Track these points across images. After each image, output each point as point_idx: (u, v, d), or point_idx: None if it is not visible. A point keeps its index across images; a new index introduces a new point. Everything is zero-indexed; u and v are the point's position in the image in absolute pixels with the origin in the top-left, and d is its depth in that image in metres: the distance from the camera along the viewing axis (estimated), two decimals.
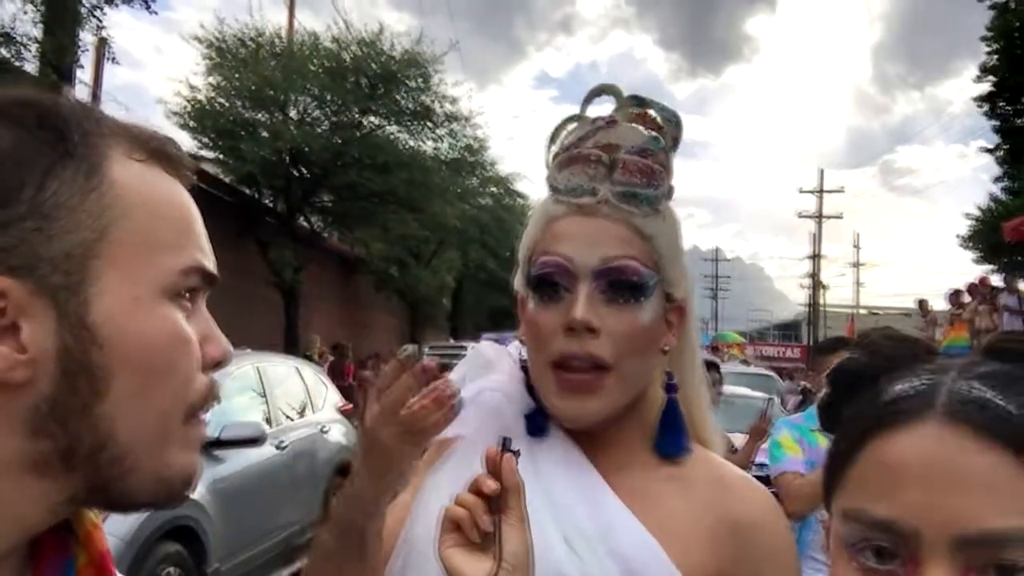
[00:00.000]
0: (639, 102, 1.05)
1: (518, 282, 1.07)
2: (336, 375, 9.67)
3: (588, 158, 1.00)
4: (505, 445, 0.83)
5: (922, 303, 16.03)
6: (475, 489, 0.82)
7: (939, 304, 15.86)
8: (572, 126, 1.06)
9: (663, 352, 1.03)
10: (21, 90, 0.63)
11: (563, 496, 0.96)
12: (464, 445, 1.06)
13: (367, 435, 0.95)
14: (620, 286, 0.97)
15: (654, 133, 1.03)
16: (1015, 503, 0.54)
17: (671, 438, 1.02)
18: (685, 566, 0.93)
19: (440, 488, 1.03)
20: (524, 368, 1.07)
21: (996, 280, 13.88)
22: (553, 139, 1.07)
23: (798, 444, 3.10)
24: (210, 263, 0.67)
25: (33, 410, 0.57)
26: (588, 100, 1.07)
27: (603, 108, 1.07)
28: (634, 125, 1.03)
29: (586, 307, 0.95)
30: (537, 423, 1.04)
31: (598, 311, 0.96)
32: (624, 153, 1.00)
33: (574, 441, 1.02)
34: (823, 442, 3.07)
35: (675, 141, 1.05)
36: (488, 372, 1.07)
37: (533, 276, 1.01)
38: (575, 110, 1.09)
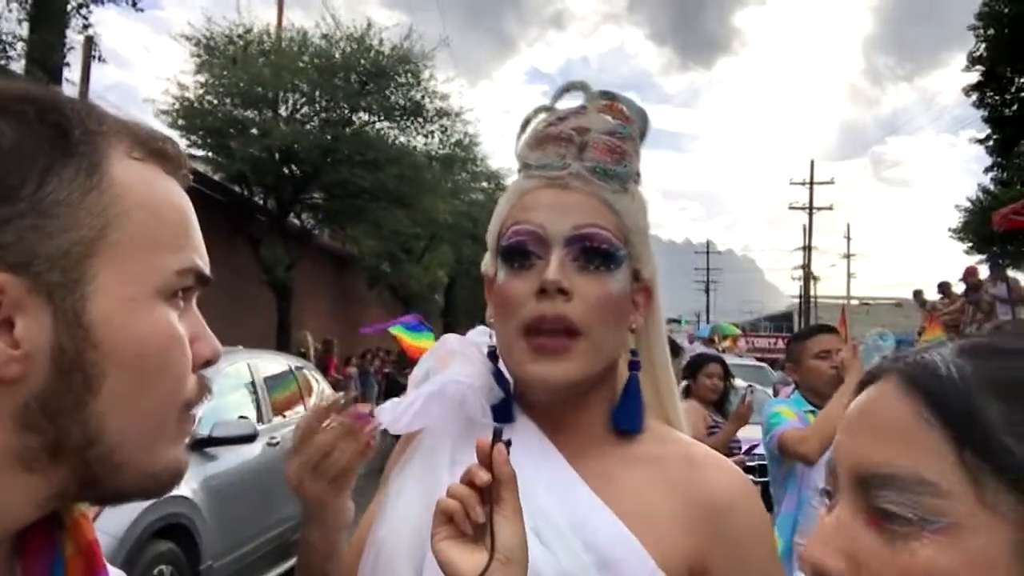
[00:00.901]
0: (608, 96, 1.07)
1: (487, 263, 1.08)
2: (319, 370, 9.68)
3: (560, 136, 1.02)
4: (496, 435, 0.82)
5: (917, 293, 16.04)
6: (468, 480, 0.81)
7: (931, 295, 15.90)
8: (542, 116, 1.08)
9: (631, 331, 1.04)
10: (23, 85, 0.63)
11: (532, 487, 0.94)
12: (429, 440, 1.06)
13: (295, 492, 1.01)
14: (592, 253, 0.98)
15: (622, 121, 1.05)
16: (919, 453, 0.56)
17: (628, 414, 1.03)
18: (658, 552, 0.93)
19: (406, 487, 1.04)
20: (491, 356, 1.06)
21: (985, 271, 13.92)
22: (524, 127, 1.09)
23: (795, 415, 3.15)
24: (205, 264, 0.67)
25: (24, 406, 0.57)
26: (558, 95, 1.10)
27: (573, 102, 1.09)
28: (603, 114, 1.05)
29: (559, 269, 0.96)
30: (504, 412, 1.03)
31: (570, 276, 0.97)
32: (595, 134, 1.02)
33: (541, 428, 1.02)
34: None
35: (642, 133, 1.07)
36: (453, 363, 1.06)
37: (504, 246, 1.01)
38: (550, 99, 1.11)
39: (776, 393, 11.16)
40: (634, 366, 1.05)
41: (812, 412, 3.14)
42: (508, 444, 0.82)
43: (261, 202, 16.66)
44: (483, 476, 0.80)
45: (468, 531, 0.80)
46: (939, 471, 0.55)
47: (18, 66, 9.21)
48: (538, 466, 0.99)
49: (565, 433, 1.02)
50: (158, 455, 0.64)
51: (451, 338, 1.13)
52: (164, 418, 0.64)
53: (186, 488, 4.68)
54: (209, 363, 0.68)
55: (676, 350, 3.71)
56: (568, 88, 1.10)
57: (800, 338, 3.39)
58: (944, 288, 14.34)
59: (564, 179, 1.00)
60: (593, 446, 1.02)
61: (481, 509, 0.80)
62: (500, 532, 0.79)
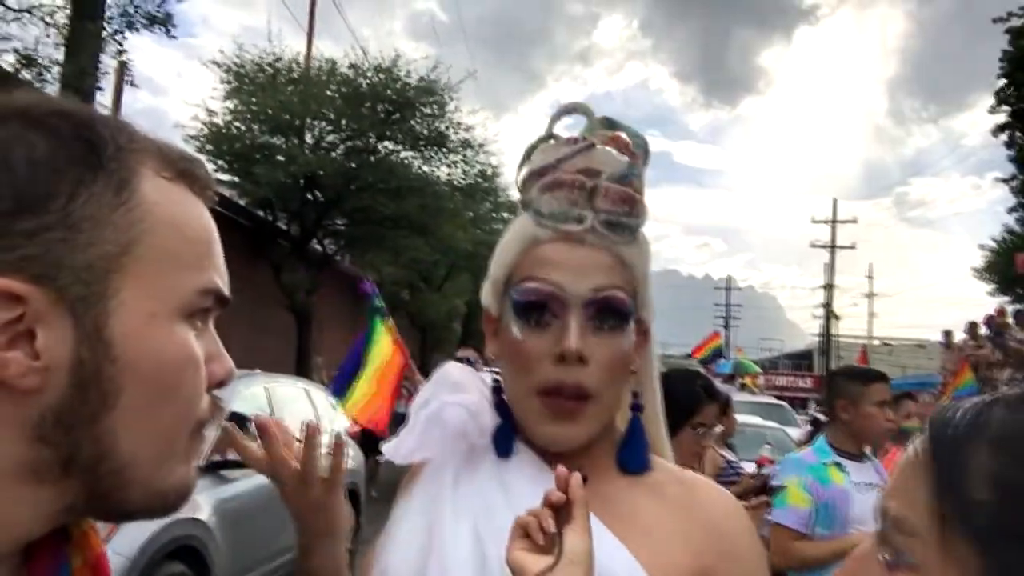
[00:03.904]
0: (610, 124, 1.06)
1: (489, 298, 1.07)
2: None
3: (572, 184, 1.01)
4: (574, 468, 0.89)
5: (947, 334, 15.70)
6: (545, 502, 0.87)
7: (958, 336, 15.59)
8: (544, 145, 1.06)
9: (632, 372, 1.05)
10: (58, 100, 0.64)
11: None
12: (431, 467, 1.07)
13: (304, 507, 1.03)
14: (607, 314, 0.99)
15: (629, 159, 1.03)
16: (908, 495, 0.62)
17: (634, 454, 1.05)
18: (659, 570, 0.94)
19: (409, 513, 1.05)
20: (495, 390, 1.07)
21: (1010, 312, 13.73)
22: (527, 157, 1.07)
23: (808, 492, 2.94)
24: (225, 285, 0.68)
25: (39, 418, 0.58)
26: (557, 117, 1.08)
27: (573, 125, 1.08)
28: (609, 149, 1.04)
29: (578, 337, 0.97)
30: (503, 441, 1.05)
31: (586, 340, 0.98)
32: (605, 180, 1.01)
33: (541, 457, 1.03)
34: (838, 478, 2.95)
35: (644, 163, 1.06)
36: (453, 391, 1.07)
37: (519, 302, 1.01)
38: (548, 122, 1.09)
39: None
40: (636, 407, 1.07)
41: (837, 465, 2.98)
42: (585, 479, 0.88)
43: (284, 227, 16.80)
44: (558, 495, 0.86)
45: (540, 541, 0.85)
46: (917, 514, 0.60)
47: (53, 90, 9.40)
48: (539, 494, 0.99)
49: (566, 464, 1.02)
50: (168, 473, 0.64)
51: (452, 367, 1.13)
52: (176, 436, 0.64)
53: (199, 510, 4.67)
54: (223, 384, 0.68)
55: (713, 393, 3.54)
56: (568, 111, 1.09)
57: (860, 378, 3.16)
58: (972, 329, 14.13)
59: (579, 235, 1.00)
60: (595, 477, 1.02)
61: (552, 522, 0.85)
62: (568, 540, 0.84)
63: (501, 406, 1.06)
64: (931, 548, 0.58)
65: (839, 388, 3.16)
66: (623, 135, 1.05)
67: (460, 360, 5.54)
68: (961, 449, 0.58)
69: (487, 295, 1.08)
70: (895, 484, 0.64)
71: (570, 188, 1.01)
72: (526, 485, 1.00)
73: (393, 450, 1.08)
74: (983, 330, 13.48)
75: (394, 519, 1.07)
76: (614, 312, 0.99)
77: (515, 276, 1.03)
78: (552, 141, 1.06)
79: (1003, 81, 19.26)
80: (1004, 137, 20.07)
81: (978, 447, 0.58)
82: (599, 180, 1.01)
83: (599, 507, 0.98)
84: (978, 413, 0.60)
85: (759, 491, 3.86)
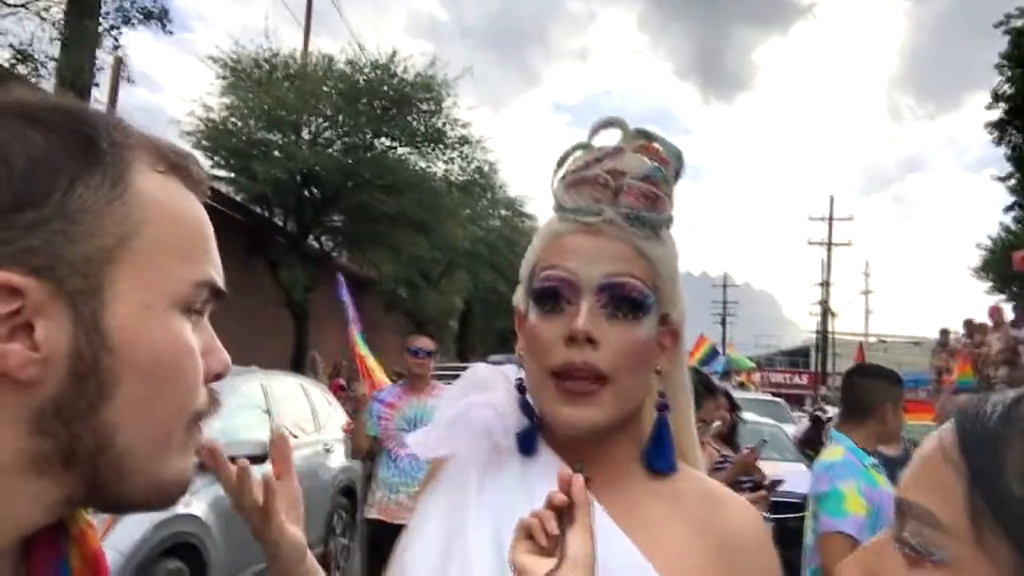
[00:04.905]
0: (645, 135, 1.08)
1: (519, 298, 1.10)
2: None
3: (595, 180, 1.03)
4: (577, 469, 0.90)
5: (944, 332, 15.73)
6: (548, 504, 0.87)
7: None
8: (579, 153, 1.09)
9: (657, 373, 1.05)
10: (54, 98, 0.65)
11: None
12: (455, 466, 1.08)
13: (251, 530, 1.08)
14: (621, 301, 1.00)
15: (657, 164, 1.05)
16: (937, 490, 0.60)
17: (660, 454, 1.05)
18: None
19: (435, 511, 1.05)
20: (520, 388, 1.08)
21: (1009, 312, 13.75)
22: (560, 164, 1.10)
23: (864, 498, 2.87)
24: (220, 278, 0.68)
25: (38, 409, 0.58)
26: (595, 131, 1.11)
27: (610, 138, 1.10)
28: (639, 155, 1.06)
29: (588, 318, 0.98)
30: (528, 442, 1.05)
31: (599, 324, 0.98)
32: (629, 179, 1.03)
33: (565, 460, 1.03)
34: (881, 481, 2.92)
35: (677, 174, 1.08)
36: (481, 391, 1.08)
37: (536, 288, 1.03)
38: (587, 134, 1.12)
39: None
40: (663, 407, 1.07)
41: (876, 467, 2.97)
42: (588, 480, 0.89)
43: (281, 224, 16.78)
44: (561, 497, 0.86)
45: (543, 543, 0.85)
46: (949, 510, 0.58)
47: (49, 85, 9.38)
48: None
49: (589, 467, 1.03)
50: (165, 464, 0.64)
51: (481, 367, 1.15)
52: (174, 428, 0.64)
53: (196, 507, 4.67)
54: (219, 377, 0.69)
55: (712, 389, 3.55)
56: (605, 125, 1.11)
57: (897, 381, 3.16)
58: (969, 326, 14.15)
59: (598, 225, 1.01)
60: (616, 480, 1.03)
61: (556, 523, 0.86)
62: (571, 543, 0.84)
63: (526, 405, 1.07)
64: (964, 545, 0.57)
65: (883, 392, 3.12)
66: (656, 144, 1.07)
67: (415, 352, 5.44)
68: (995, 444, 0.57)
69: (518, 294, 1.10)
70: (916, 477, 0.63)
71: (593, 185, 1.03)
72: (548, 487, 0.99)
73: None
74: (989, 324, 13.47)
75: (417, 515, 1.07)
76: (628, 300, 1.00)
77: (536, 268, 1.05)
78: (584, 150, 1.09)
79: (1002, 79, 19.28)
80: (998, 134, 20.08)
81: (1013, 442, 0.57)
82: (624, 180, 1.03)
83: (617, 512, 0.99)
84: (1009, 408, 0.59)
85: (755, 487, 3.88)
